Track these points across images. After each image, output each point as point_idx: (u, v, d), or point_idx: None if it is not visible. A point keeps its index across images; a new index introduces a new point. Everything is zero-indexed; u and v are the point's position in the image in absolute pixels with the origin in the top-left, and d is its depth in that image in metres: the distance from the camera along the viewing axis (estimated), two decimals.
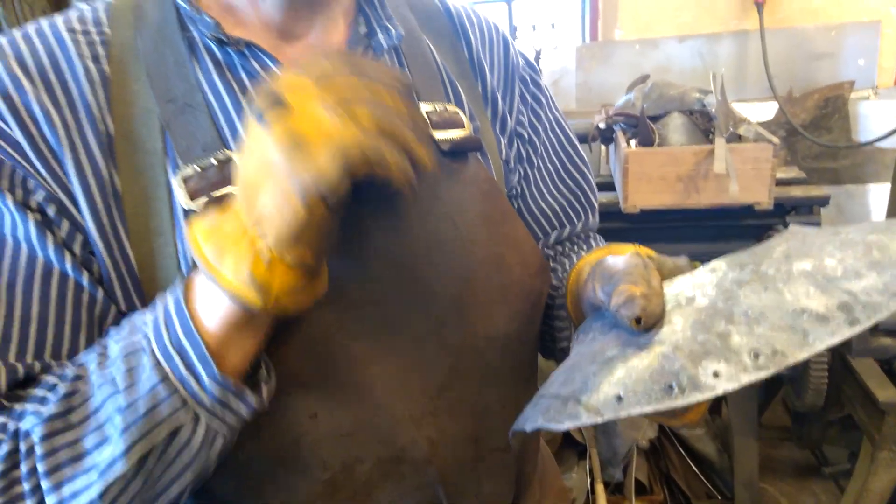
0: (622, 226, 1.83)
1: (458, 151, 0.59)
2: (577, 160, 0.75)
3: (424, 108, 0.59)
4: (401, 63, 0.61)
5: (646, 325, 0.41)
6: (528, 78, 0.71)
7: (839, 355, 1.67)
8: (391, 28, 0.59)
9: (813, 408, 1.65)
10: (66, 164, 0.48)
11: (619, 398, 0.38)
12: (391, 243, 0.54)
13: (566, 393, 0.41)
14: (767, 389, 2.09)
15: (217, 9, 0.54)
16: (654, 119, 1.86)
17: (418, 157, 0.41)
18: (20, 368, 0.46)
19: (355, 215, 0.51)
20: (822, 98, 2.66)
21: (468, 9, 0.71)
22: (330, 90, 0.39)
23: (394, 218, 0.54)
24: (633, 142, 1.85)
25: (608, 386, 0.39)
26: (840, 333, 0.36)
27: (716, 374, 0.36)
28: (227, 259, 0.40)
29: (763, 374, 0.36)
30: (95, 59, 0.51)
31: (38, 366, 0.47)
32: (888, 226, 0.42)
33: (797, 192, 1.82)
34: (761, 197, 1.70)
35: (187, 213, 0.49)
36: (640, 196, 1.77)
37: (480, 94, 0.66)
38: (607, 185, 1.95)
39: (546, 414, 0.40)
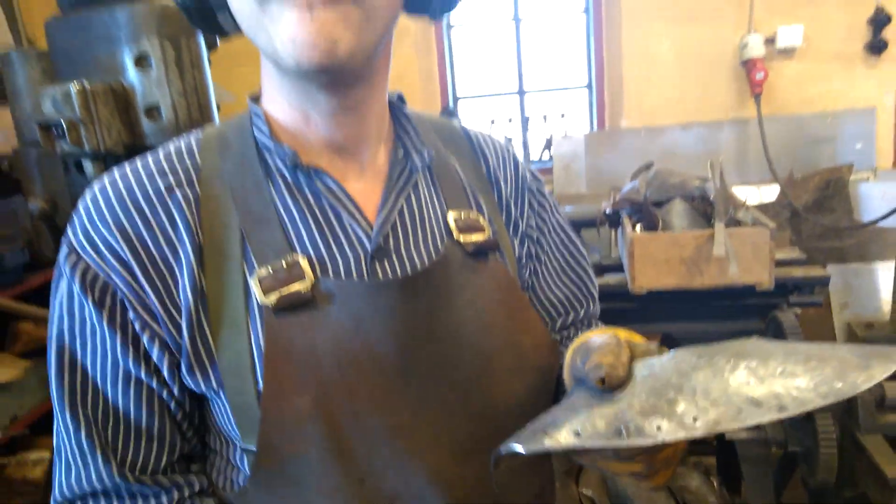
0: (631, 306, 1.91)
1: (479, 251, 0.70)
2: (579, 256, 0.86)
3: (452, 215, 0.71)
4: (432, 179, 0.73)
5: (608, 385, 0.51)
6: (534, 189, 0.83)
7: (849, 432, 1.71)
8: (423, 151, 0.71)
9: (826, 485, 1.67)
10: (166, 280, 0.60)
11: (577, 433, 0.48)
12: (424, 328, 0.63)
13: (538, 428, 0.51)
14: (784, 468, 2.10)
15: (286, 136, 0.65)
16: (658, 205, 1.98)
17: None
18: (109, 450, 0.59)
19: (399, 306, 0.61)
20: (823, 180, 2.77)
21: (484, 134, 0.84)
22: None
23: (426, 308, 0.64)
24: (638, 226, 1.97)
25: (570, 424, 0.49)
26: (769, 416, 0.46)
27: (659, 428, 0.46)
28: None
29: (696, 434, 0.45)
30: (190, 183, 0.63)
31: (120, 455, 0.60)
32: (832, 346, 0.52)
33: (798, 272, 1.90)
34: (762, 278, 1.79)
35: (262, 306, 0.59)
36: (646, 278, 1.86)
37: (496, 203, 0.78)
38: (616, 267, 2.04)
39: (517, 440, 0.49)
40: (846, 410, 1.76)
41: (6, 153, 1.30)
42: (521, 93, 3.27)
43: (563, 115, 3.22)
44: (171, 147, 0.66)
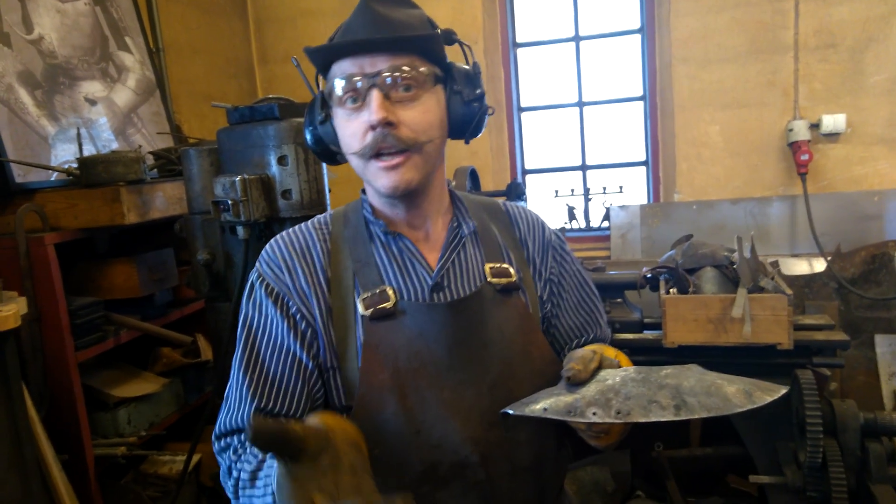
0: (665, 359, 2.16)
1: (505, 290, 1.02)
2: (591, 294, 1.16)
3: (488, 265, 1.02)
4: (476, 241, 1.05)
5: (572, 382, 0.81)
6: (556, 246, 1.14)
7: (862, 480, 1.88)
8: (469, 222, 1.05)
9: None
10: (310, 297, 0.96)
11: (545, 409, 0.78)
12: (464, 336, 0.95)
13: (525, 402, 0.81)
14: None
15: (380, 214, 0.99)
16: (692, 272, 2.25)
17: None
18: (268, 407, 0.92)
19: (447, 320, 0.92)
20: (869, 255, 2.93)
21: (518, 207, 1.17)
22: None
23: (466, 324, 0.95)
24: (673, 290, 2.25)
25: (543, 402, 0.80)
26: (666, 417, 0.72)
27: (594, 413, 0.75)
28: None
29: (616, 421, 0.73)
30: (325, 241, 0.98)
31: (265, 404, 0.91)
32: (730, 377, 0.78)
33: (820, 335, 2.10)
34: (781, 339, 2.02)
35: (363, 316, 0.92)
36: (678, 334, 2.13)
37: (525, 257, 1.10)
38: (656, 325, 2.30)
39: (510, 407, 0.79)
40: (860, 462, 1.92)
41: (178, 216, 1.79)
42: (584, 168, 3.61)
43: (620, 188, 3.53)
44: (316, 219, 1.06)
